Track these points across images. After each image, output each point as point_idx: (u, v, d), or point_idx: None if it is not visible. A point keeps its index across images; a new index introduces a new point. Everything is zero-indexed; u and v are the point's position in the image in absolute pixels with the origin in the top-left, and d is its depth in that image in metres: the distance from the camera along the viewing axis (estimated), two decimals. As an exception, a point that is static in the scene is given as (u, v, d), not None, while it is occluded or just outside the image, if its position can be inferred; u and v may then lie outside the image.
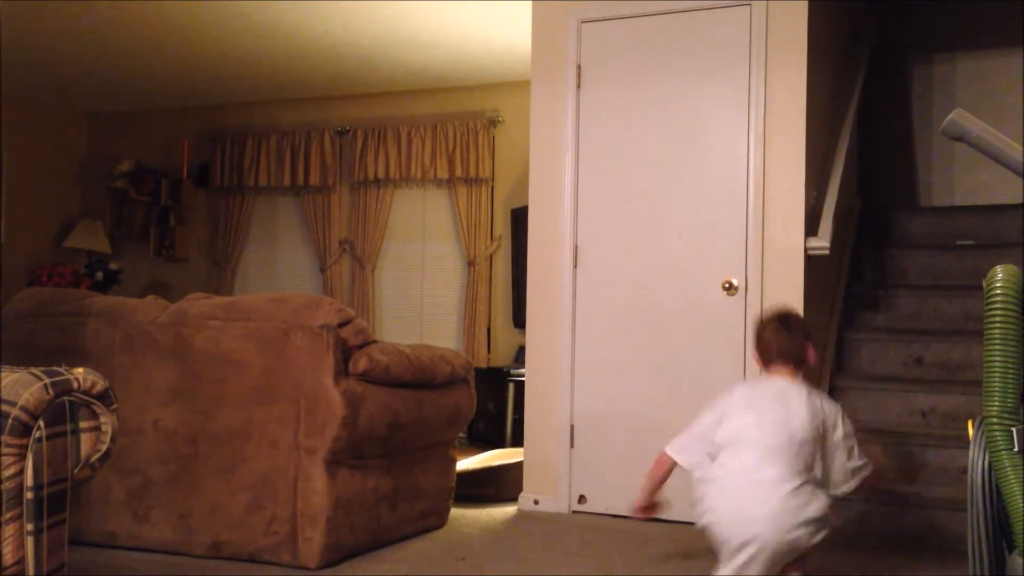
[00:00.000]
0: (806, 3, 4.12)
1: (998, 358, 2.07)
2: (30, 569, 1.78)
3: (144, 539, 3.46)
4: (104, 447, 1.90)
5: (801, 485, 2.79)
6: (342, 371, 3.30)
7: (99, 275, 7.86)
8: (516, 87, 6.52)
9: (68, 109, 8.33)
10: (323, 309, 3.35)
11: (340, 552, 3.34)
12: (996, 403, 2.06)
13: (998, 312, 2.07)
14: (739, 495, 2.82)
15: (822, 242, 4.11)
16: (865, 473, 3.02)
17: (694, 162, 4.28)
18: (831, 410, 3.03)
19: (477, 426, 6.29)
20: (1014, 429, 2.04)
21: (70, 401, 1.86)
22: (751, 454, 2.82)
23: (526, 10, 4.73)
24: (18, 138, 7.64)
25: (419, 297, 7.47)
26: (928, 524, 3.87)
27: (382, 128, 7.44)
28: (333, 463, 3.28)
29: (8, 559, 1.75)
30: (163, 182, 8.06)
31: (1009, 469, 2.02)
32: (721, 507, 2.84)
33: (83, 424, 1.87)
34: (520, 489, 4.50)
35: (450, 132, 7.25)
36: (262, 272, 7.93)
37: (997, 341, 2.07)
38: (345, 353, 3.33)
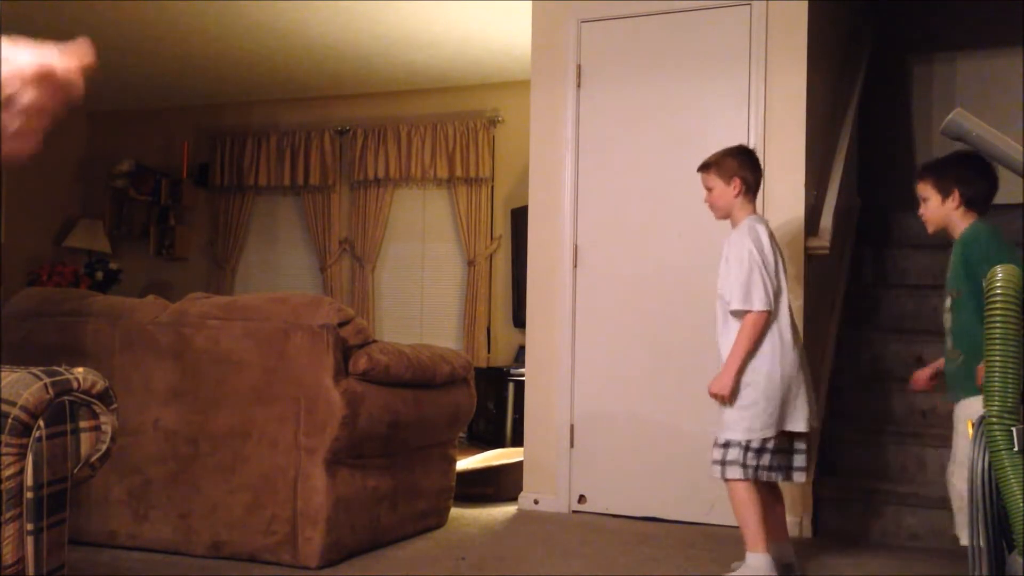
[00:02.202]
0: (806, 3, 4.12)
1: (998, 358, 2.06)
2: (30, 569, 1.78)
3: (144, 539, 3.46)
4: (104, 447, 1.90)
5: None
6: (342, 371, 3.30)
7: (99, 275, 7.86)
8: (516, 87, 6.52)
9: (68, 109, 8.32)
10: (323, 309, 3.35)
11: (340, 552, 3.34)
12: (996, 403, 2.06)
13: (998, 312, 2.07)
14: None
15: (822, 242, 4.11)
16: None
17: (694, 162, 4.27)
18: None
19: (477, 426, 6.30)
20: (1014, 429, 2.03)
21: (70, 401, 1.86)
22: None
23: (526, 10, 4.73)
24: (18, 138, 7.62)
25: (419, 297, 7.47)
26: (928, 524, 3.87)
27: (382, 128, 7.44)
28: (333, 463, 3.28)
29: (8, 559, 1.75)
30: (163, 182, 8.06)
31: (1009, 469, 2.02)
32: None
33: (83, 424, 1.87)
34: (520, 489, 4.50)
35: (450, 132, 7.25)
36: (262, 272, 7.93)
37: (997, 341, 2.07)
38: (345, 353, 3.33)
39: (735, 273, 3.10)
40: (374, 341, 3.47)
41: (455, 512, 4.15)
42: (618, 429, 4.33)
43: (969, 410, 2.83)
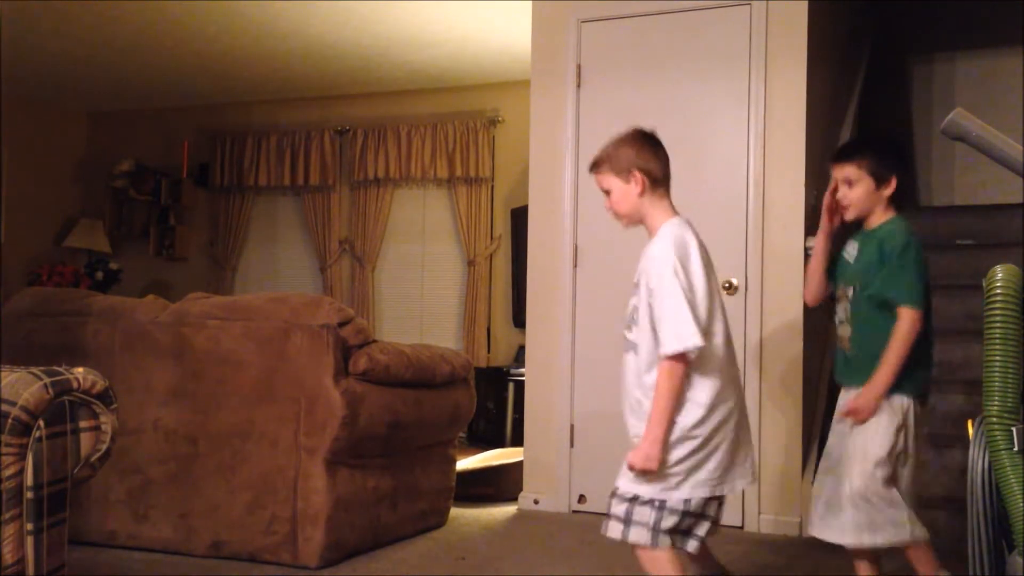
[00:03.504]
0: (806, 3, 4.12)
1: (998, 358, 2.07)
2: (30, 569, 1.78)
3: (144, 539, 3.46)
4: (104, 447, 1.90)
5: None
6: (342, 371, 3.30)
7: (99, 275, 7.86)
8: (516, 87, 6.52)
9: (68, 109, 8.33)
10: (323, 309, 3.35)
11: (340, 552, 3.34)
12: (996, 403, 2.06)
13: (998, 312, 2.07)
14: None
15: (822, 242, 4.11)
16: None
17: (694, 162, 4.28)
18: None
19: (477, 426, 6.29)
20: (1014, 429, 2.04)
21: (70, 401, 1.86)
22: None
23: (526, 10, 4.73)
24: (18, 138, 7.64)
25: (419, 297, 7.47)
26: (928, 524, 3.86)
27: (382, 128, 7.44)
28: (333, 463, 3.28)
29: (8, 559, 1.75)
30: (163, 182, 8.06)
31: (1009, 469, 2.02)
32: None
33: (83, 424, 1.88)
34: (520, 489, 4.50)
35: (450, 132, 7.25)
36: (262, 272, 7.93)
37: (997, 341, 2.07)
38: (345, 353, 3.33)
39: (660, 303, 2.42)
40: (374, 341, 3.47)
41: (455, 512, 4.15)
42: (618, 429, 4.30)
43: (891, 408, 2.69)
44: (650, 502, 2.43)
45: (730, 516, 4.08)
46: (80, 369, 1.91)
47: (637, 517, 2.43)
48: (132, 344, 3.54)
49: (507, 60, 6.49)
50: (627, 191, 2.55)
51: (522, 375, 5.24)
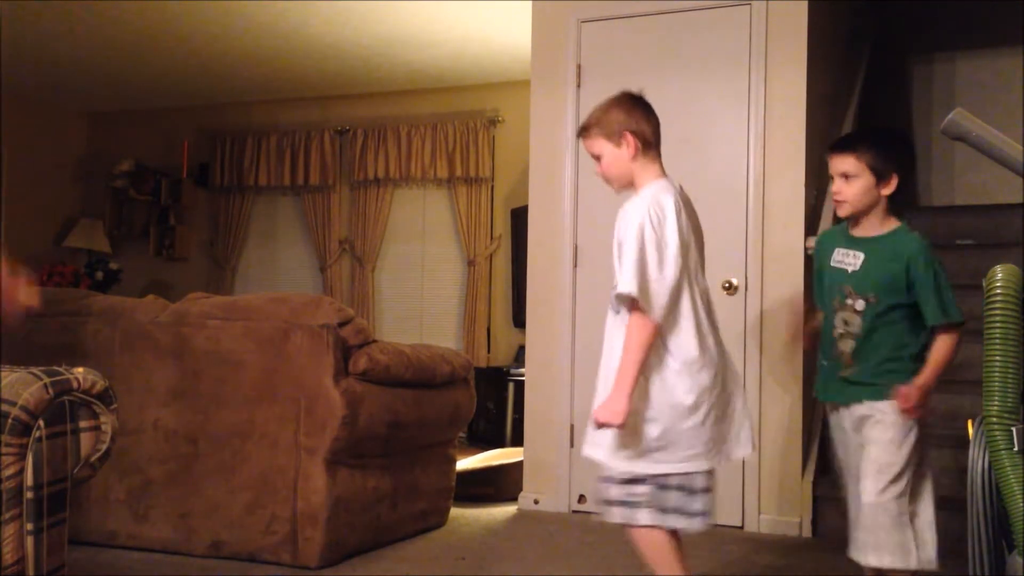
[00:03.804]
0: (806, 3, 4.12)
1: (998, 358, 2.07)
2: (30, 569, 1.78)
3: (144, 539, 3.46)
4: (104, 447, 1.90)
5: None
6: (342, 371, 3.30)
7: (99, 275, 7.86)
8: (516, 87, 6.52)
9: (68, 109, 8.33)
10: (323, 309, 3.35)
11: (340, 552, 3.34)
12: (996, 403, 2.06)
13: (998, 312, 2.07)
14: None
15: (822, 242, 4.11)
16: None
17: (694, 162, 4.28)
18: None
19: (477, 426, 6.29)
20: (1014, 429, 2.04)
21: (70, 401, 1.86)
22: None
23: (526, 10, 4.73)
24: (18, 138, 7.64)
25: (419, 297, 7.47)
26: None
27: (382, 128, 7.44)
28: (333, 463, 3.28)
29: (8, 559, 1.75)
30: (163, 182, 8.06)
31: (1009, 469, 2.03)
32: None
33: (83, 424, 1.88)
34: (520, 489, 4.50)
35: (450, 132, 7.25)
36: (262, 272, 7.93)
37: (997, 341, 2.07)
38: (345, 353, 3.33)
39: (625, 254, 2.40)
40: (374, 341, 3.47)
41: (455, 512, 4.15)
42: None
43: (880, 412, 2.58)
44: (644, 480, 2.35)
45: (730, 516, 4.09)
46: (80, 369, 1.91)
47: (635, 498, 2.35)
48: (132, 344, 3.54)
49: (507, 60, 6.49)
50: (618, 155, 2.48)
51: (522, 375, 5.24)
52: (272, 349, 3.34)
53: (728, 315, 4.17)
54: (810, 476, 4.06)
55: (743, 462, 4.05)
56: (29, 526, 1.78)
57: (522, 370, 5.30)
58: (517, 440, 5.04)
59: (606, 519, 2.41)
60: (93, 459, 1.89)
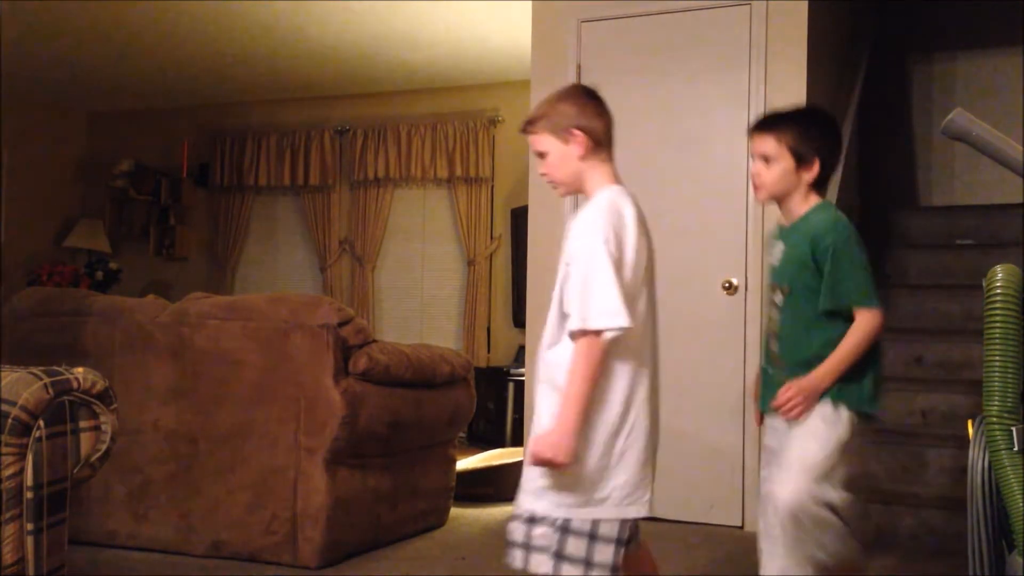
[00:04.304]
0: (806, 3, 4.12)
1: (998, 358, 2.07)
2: (30, 569, 1.78)
3: (144, 539, 3.46)
4: (104, 447, 1.90)
5: None
6: (342, 371, 3.30)
7: (99, 275, 7.86)
8: (516, 87, 6.52)
9: (68, 109, 8.33)
10: (323, 309, 3.35)
11: (340, 551, 3.34)
12: (996, 402, 2.06)
13: (998, 312, 2.07)
14: None
15: (822, 242, 4.10)
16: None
17: (694, 162, 4.28)
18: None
19: (477, 426, 6.29)
20: (1014, 428, 2.03)
21: (70, 401, 1.86)
22: None
23: (526, 10, 4.73)
24: (18, 138, 7.64)
25: (419, 297, 7.47)
26: (928, 524, 3.87)
27: (382, 128, 7.44)
28: (333, 463, 3.28)
29: (8, 559, 1.75)
30: (163, 182, 8.06)
31: (1009, 469, 2.02)
32: None
33: (83, 424, 1.87)
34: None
35: (450, 132, 7.25)
36: (262, 272, 7.93)
37: (997, 341, 2.07)
38: (345, 352, 3.33)
39: (585, 272, 2.07)
40: (374, 341, 3.47)
41: (455, 512, 4.14)
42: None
43: (836, 419, 2.30)
44: (550, 522, 2.07)
45: (730, 516, 4.09)
46: (80, 369, 1.91)
47: (536, 541, 2.08)
48: (132, 344, 3.54)
49: (507, 60, 6.49)
50: (566, 153, 2.18)
51: (522, 375, 5.24)
52: (272, 349, 3.34)
53: (728, 315, 4.17)
54: (810, 476, 4.05)
55: (743, 462, 4.05)
56: (29, 526, 1.78)
57: (522, 370, 5.30)
58: (517, 440, 5.04)
59: (510, 563, 2.15)
60: (93, 459, 1.89)
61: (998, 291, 2.07)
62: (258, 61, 6.77)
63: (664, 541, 3.80)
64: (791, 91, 4.13)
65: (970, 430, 2.23)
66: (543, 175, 2.26)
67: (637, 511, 2.11)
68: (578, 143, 2.16)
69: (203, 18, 5.83)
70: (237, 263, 7.97)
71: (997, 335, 2.07)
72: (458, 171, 7.21)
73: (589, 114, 2.19)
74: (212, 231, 8.04)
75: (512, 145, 6.96)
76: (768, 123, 2.42)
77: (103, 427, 1.90)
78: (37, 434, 1.79)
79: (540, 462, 2.03)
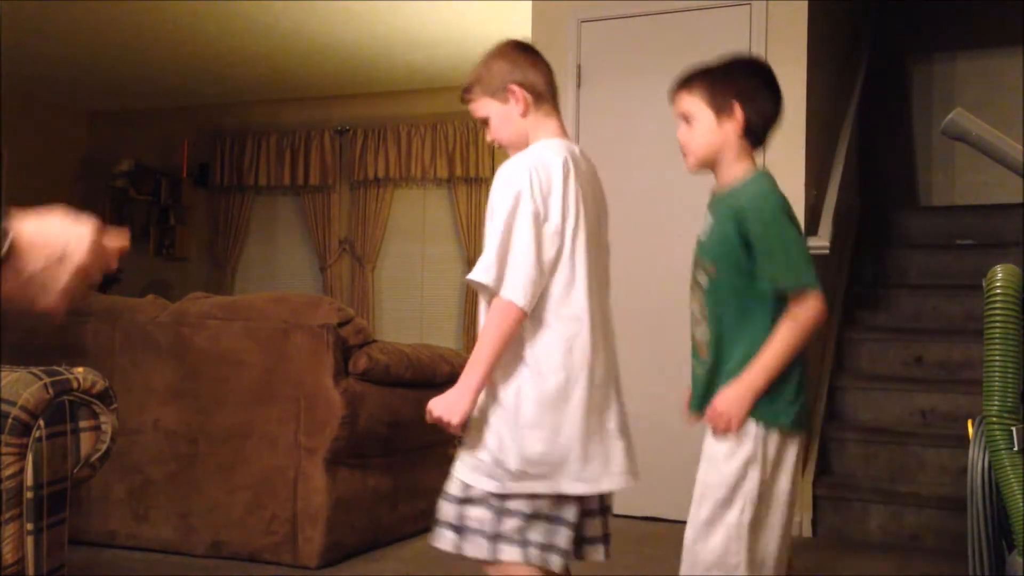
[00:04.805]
0: (806, 3, 4.12)
1: (998, 358, 2.06)
2: (30, 569, 1.78)
3: (144, 539, 3.46)
4: (104, 447, 1.90)
5: None
6: (342, 371, 3.30)
7: (99, 275, 7.86)
8: (516, 87, 6.52)
9: (68, 109, 8.33)
10: (323, 309, 3.35)
11: (340, 552, 3.34)
12: (996, 402, 2.06)
13: (998, 312, 2.07)
14: None
15: (822, 242, 4.11)
16: None
17: (694, 162, 4.28)
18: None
19: (477, 426, 6.29)
20: (1014, 428, 2.03)
21: (70, 400, 1.86)
22: None
23: (526, 10, 4.73)
24: (18, 138, 7.64)
25: (419, 297, 7.47)
26: (928, 524, 3.87)
27: (382, 128, 7.44)
28: (333, 463, 3.28)
29: (8, 559, 1.75)
30: (163, 182, 8.06)
31: (1009, 469, 2.02)
32: None
33: (83, 424, 1.87)
34: (520, 489, 4.49)
35: (450, 132, 7.25)
36: (262, 272, 7.93)
37: (997, 341, 2.07)
38: (345, 352, 3.33)
39: (499, 232, 1.90)
40: (374, 341, 3.47)
41: (455, 512, 4.14)
42: (618, 429, 4.32)
43: (744, 436, 1.97)
44: (484, 500, 1.90)
45: (730, 516, 4.08)
46: (80, 369, 1.91)
47: (471, 522, 1.92)
48: (132, 344, 3.54)
49: (507, 60, 6.49)
50: (507, 112, 2.06)
51: (522, 375, 5.23)
52: (272, 349, 3.34)
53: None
54: (810, 476, 4.06)
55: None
56: (29, 526, 1.78)
57: (522, 370, 5.29)
58: (517, 440, 5.03)
59: (434, 543, 2.01)
60: (93, 459, 1.89)
61: (998, 291, 2.07)
62: (258, 61, 6.77)
63: (664, 541, 3.80)
64: (791, 91, 4.12)
65: (970, 430, 2.23)
66: (491, 142, 2.12)
67: (579, 488, 1.92)
68: (517, 99, 2.05)
69: (203, 18, 5.83)
70: (237, 263, 7.97)
71: (997, 335, 2.06)
72: (458, 171, 7.21)
73: (524, 67, 2.09)
74: (212, 231, 8.04)
75: (512, 145, 6.95)
76: (681, 81, 2.13)
77: (103, 427, 1.90)
78: (37, 434, 1.79)
79: (432, 419, 1.91)
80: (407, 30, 5.99)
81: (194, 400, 3.42)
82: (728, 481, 1.95)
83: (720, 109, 2.04)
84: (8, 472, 1.76)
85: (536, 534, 1.90)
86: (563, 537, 1.92)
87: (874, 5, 5.81)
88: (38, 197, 8.37)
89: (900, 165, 5.91)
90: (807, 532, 4.00)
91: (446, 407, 1.90)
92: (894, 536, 3.91)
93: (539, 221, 1.89)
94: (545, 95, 2.09)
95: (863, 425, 4.35)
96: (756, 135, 2.06)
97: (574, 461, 1.90)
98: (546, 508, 1.90)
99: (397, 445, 3.58)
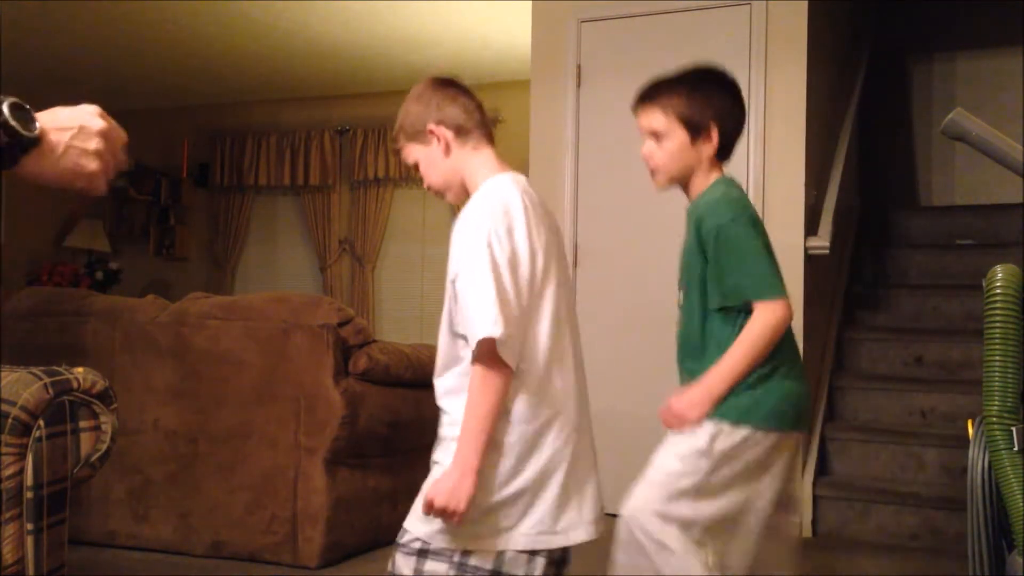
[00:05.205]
0: (806, 3, 4.12)
1: (998, 358, 2.06)
2: (30, 569, 1.78)
3: (144, 539, 3.46)
4: (104, 447, 1.90)
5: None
6: (342, 370, 3.30)
7: (99, 275, 7.86)
8: (516, 87, 6.51)
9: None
10: (323, 309, 3.35)
11: (340, 552, 3.34)
12: (996, 402, 2.06)
13: (998, 312, 2.07)
14: None
15: (822, 242, 4.11)
16: None
17: (694, 162, 4.28)
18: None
19: (477, 426, 6.29)
20: (1014, 429, 2.03)
21: (70, 400, 1.85)
22: None
23: (526, 10, 4.73)
24: (18, 138, 7.63)
25: (419, 297, 7.47)
26: (928, 524, 3.87)
27: (382, 128, 7.44)
28: (333, 463, 3.28)
29: (8, 559, 1.75)
30: (163, 182, 8.06)
31: (1009, 469, 2.02)
32: None
33: (83, 424, 1.87)
34: (520, 489, 4.49)
35: (450, 132, 7.25)
36: (262, 272, 7.93)
37: (997, 341, 2.06)
38: (345, 352, 3.33)
39: (468, 283, 1.76)
40: (374, 341, 3.47)
41: (455, 512, 4.14)
42: (618, 429, 4.32)
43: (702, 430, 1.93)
44: (446, 555, 1.76)
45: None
46: (80, 369, 1.91)
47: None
48: (132, 344, 3.54)
49: (507, 60, 6.49)
50: (430, 155, 1.96)
51: (522, 375, 5.23)
52: (272, 349, 3.34)
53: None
54: (810, 476, 4.06)
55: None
56: (29, 526, 1.78)
57: (522, 370, 5.29)
58: (517, 440, 5.03)
59: None
60: (93, 459, 1.89)
61: (998, 291, 2.06)
62: (258, 61, 6.77)
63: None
64: (791, 91, 4.14)
65: (970, 430, 2.23)
66: (427, 189, 2.01)
67: (554, 541, 1.80)
68: (439, 138, 1.94)
69: (203, 18, 5.83)
70: (237, 263, 7.97)
71: (997, 335, 2.06)
72: (458, 171, 7.21)
73: (439, 104, 1.97)
74: (212, 231, 8.04)
75: (512, 145, 6.94)
76: (651, 93, 2.09)
77: (103, 427, 1.90)
78: (37, 434, 1.79)
79: (436, 512, 1.73)
80: (407, 30, 5.99)
81: (194, 400, 3.42)
82: (683, 470, 1.94)
83: (696, 131, 2.00)
84: (8, 472, 1.76)
85: None
86: None
87: (874, 5, 5.81)
88: (38, 197, 8.37)
89: (900, 165, 5.91)
90: (807, 532, 4.00)
91: (449, 495, 1.71)
92: (894, 536, 3.91)
93: (514, 266, 1.76)
94: (469, 128, 1.96)
95: (863, 425, 4.35)
96: (727, 150, 2.04)
97: (553, 514, 1.79)
98: (513, 566, 1.76)
99: (397, 445, 3.58)
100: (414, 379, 3.58)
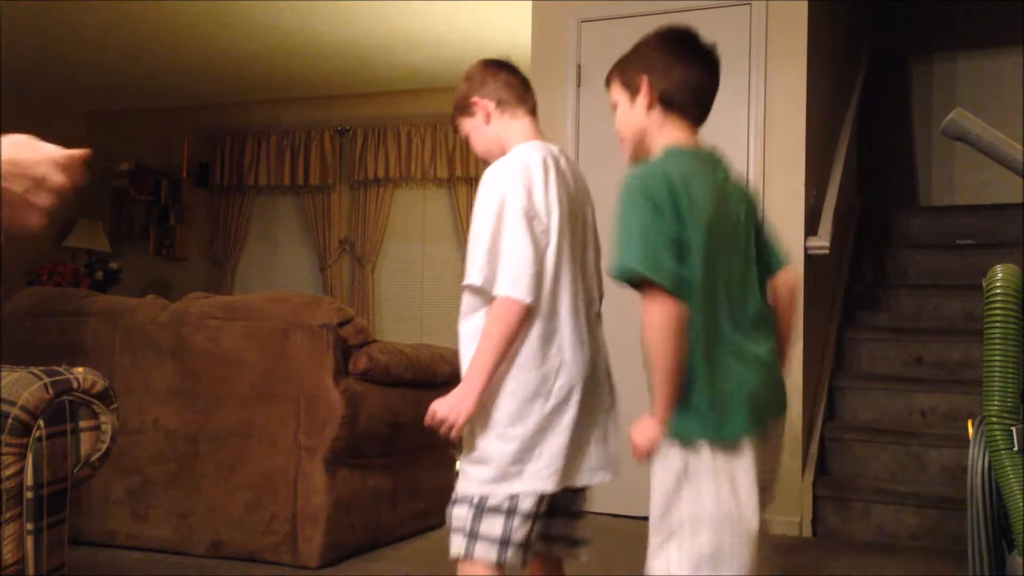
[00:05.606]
0: (806, 3, 4.12)
1: (998, 357, 2.06)
2: (30, 568, 1.78)
3: (144, 539, 3.46)
4: (104, 446, 1.90)
5: None
6: (342, 370, 3.30)
7: (99, 275, 7.86)
8: (516, 87, 6.52)
9: (67, 109, 8.33)
10: (323, 308, 3.35)
11: (340, 551, 3.34)
12: (996, 402, 2.06)
13: (998, 311, 2.07)
14: None
15: (822, 242, 4.11)
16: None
17: (694, 162, 4.28)
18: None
19: (477, 426, 6.29)
20: (1014, 428, 2.03)
21: (70, 400, 1.86)
22: None
23: (526, 10, 4.73)
24: (18, 138, 7.63)
25: (419, 297, 7.47)
26: (928, 524, 3.87)
27: (382, 128, 7.44)
28: (333, 462, 3.28)
29: (8, 558, 1.75)
30: (163, 182, 8.07)
31: (1009, 469, 2.02)
32: None
33: (83, 423, 1.87)
34: (520, 489, 4.49)
35: (450, 132, 7.24)
36: (262, 272, 7.93)
37: (997, 340, 2.07)
38: (345, 352, 3.33)
39: (479, 231, 2.01)
40: (374, 341, 3.47)
41: (455, 512, 4.14)
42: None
43: (666, 459, 1.80)
44: (467, 500, 1.94)
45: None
46: (80, 369, 1.91)
47: (453, 522, 1.95)
48: (132, 344, 3.54)
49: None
50: (475, 125, 2.19)
51: (522, 375, 5.22)
52: (272, 349, 3.34)
53: (728, 315, 4.17)
54: (810, 476, 4.06)
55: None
56: (29, 526, 1.78)
57: (522, 370, 5.29)
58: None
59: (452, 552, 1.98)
60: (93, 459, 1.89)
61: (998, 291, 2.07)
62: (258, 61, 6.77)
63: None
64: (791, 91, 4.14)
65: (970, 430, 2.23)
66: (478, 155, 2.24)
67: (555, 483, 1.96)
68: (482, 112, 2.17)
69: (203, 18, 5.83)
70: (237, 263, 7.97)
71: (997, 335, 2.07)
72: (458, 171, 7.21)
73: (482, 80, 2.22)
74: (212, 231, 8.04)
75: (512, 145, 6.95)
76: (608, 73, 2.07)
77: (103, 427, 1.90)
78: (37, 434, 1.79)
79: (435, 421, 1.93)
80: (407, 30, 5.99)
81: (194, 400, 3.42)
82: (661, 504, 1.85)
83: (632, 87, 1.97)
84: (8, 472, 1.76)
85: (512, 532, 1.93)
86: (532, 531, 1.96)
87: (874, 5, 5.81)
88: (38, 197, 8.25)
89: (900, 165, 5.91)
90: (807, 532, 4.00)
91: (449, 408, 1.92)
92: (894, 536, 3.91)
93: (529, 218, 1.96)
94: (509, 100, 2.17)
95: (863, 425, 4.35)
96: (674, 102, 1.95)
97: (555, 458, 1.95)
98: (525, 505, 1.94)
99: (397, 445, 3.58)
100: (414, 379, 3.58)
